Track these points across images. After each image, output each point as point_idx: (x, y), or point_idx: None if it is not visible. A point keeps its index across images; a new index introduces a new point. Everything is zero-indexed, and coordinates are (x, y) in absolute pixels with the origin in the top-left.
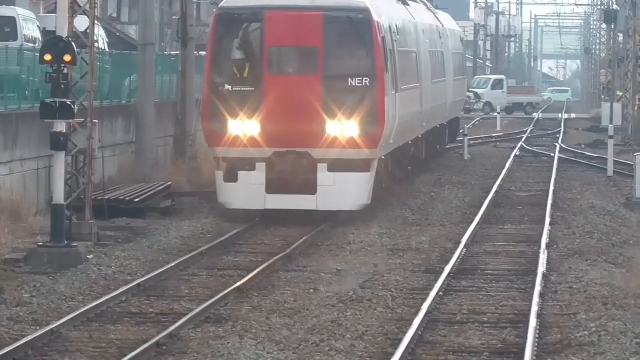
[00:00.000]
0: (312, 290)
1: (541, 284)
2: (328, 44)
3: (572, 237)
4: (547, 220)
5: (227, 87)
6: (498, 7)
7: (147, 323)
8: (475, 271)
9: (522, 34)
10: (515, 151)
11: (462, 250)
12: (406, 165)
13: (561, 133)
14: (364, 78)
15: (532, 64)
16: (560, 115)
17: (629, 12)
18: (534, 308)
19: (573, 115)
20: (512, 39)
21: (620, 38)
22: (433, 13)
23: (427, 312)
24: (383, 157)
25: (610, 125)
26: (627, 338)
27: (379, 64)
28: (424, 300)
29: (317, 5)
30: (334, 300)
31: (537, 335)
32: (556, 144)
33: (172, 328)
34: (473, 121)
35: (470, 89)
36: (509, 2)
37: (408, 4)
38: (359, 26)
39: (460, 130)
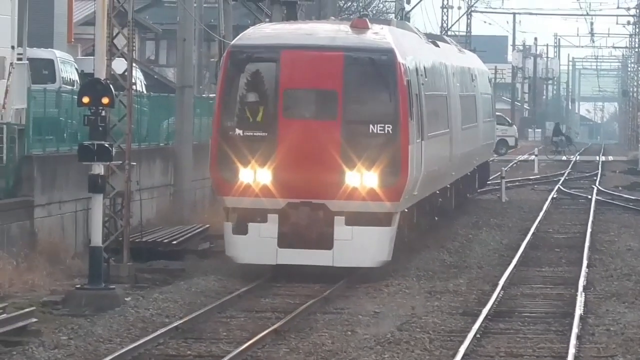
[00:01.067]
0: (349, 333)
1: (578, 327)
2: (348, 88)
3: (609, 280)
4: (585, 262)
5: (238, 131)
6: (536, 50)
7: None
8: (512, 314)
9: (560, 76)
10: (553, 194)
11: (499, 293)
12: (433, 216)
13: (599, 176)
14: (387, 125)
15: (569, 107)
16: (597, 158)
17: None
18: (572, 351)
19: (611, 158)
20: (550, 81)
21: None
22: (463, 54)
23: (465, 355)
24: (406, 210)
25: None
26: None
27: (403, 110)
28: (461, 342)
29: (338, 46)
30: (372, 343)
31: None
32: (594, 186)
33: None
34: (510, 164)
35: (560, 134)
36: (547, 45)
37: (438, 45)
38: (382, 69)
39: (498, 173)
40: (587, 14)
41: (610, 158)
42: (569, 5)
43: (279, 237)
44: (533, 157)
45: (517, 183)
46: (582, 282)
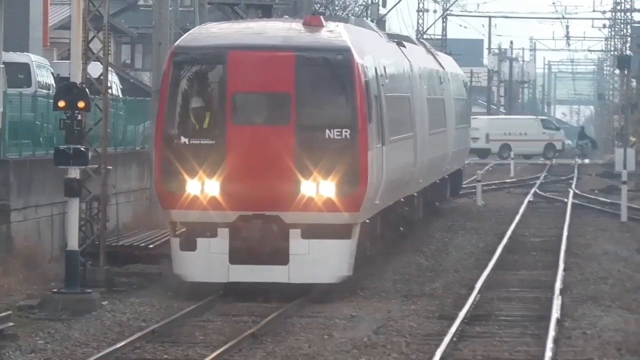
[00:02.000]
0: (326, 337)
1: (555, 330)
2: (302, 90)
3: (586, 283)
4: (561, 266)
5: (183, 140)
6: (512, 53)
7: None
8: (489, 317)
9: (536, 79)
10: (529, 197)
11: (476, 296)
12: (398, 226)
13: (575, 179)
14: (344, 129)
15: (545, 110)
16: (573, 161)
17: None
18: (548, 354)
19: (587, 161)
20: (526, 84)
21: (634, 84)
22: (434, 56)
23: (442, 358)
24: (368, 221)
25: (624, 170)
26: None
27: (362, 113)
28: (438, 346)
29: (289, 45)
30: (349, 347)
31: None
32: (570, 189)
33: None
34: (486, 167)
35: (585, 138)
36: (523, 49)
37: (404, 45)
38: (338, 69)
39: (474, 177)
40: (563, 17)
41: (587, 161)
42: (544, 9)
43: (230, 252)
44: (509, 160)
45: (493, 186)
46: (558, 285)
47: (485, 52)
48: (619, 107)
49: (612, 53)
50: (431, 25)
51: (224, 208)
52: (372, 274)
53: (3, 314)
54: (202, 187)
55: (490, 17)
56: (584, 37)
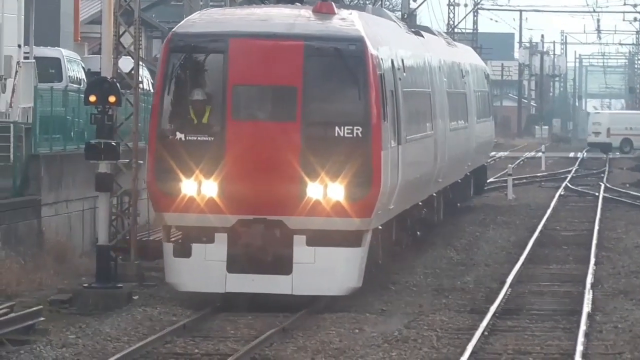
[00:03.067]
0: (357, 331)
1: (586, 324)
2: (310, 83)
3: (617, 277)
4: (592, 260)
5: (179, 135)
6: (543, 47)
7: None
8: (520, 311)
9: (567, 73)
10: (560, 191)
11: (507, 290)
12: (415, 231)
13: (606, 173)
14: (355, 127)
15: (576, 104)
16: (604, 155)
17: None
18: (579, 348)
19: (618, 154)
20: (557, 78)
21: None
22: (453, 47)
23: (473, 353)
24: (380, 227)
25: None
26: None
27: (375, 110)
28: (469, 340)
29: (297, 34)
30: (379, 341)
31: None
32: (601, 183)
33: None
34: (517, 161)
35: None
36: (554, 42)
37: (422, 36)
38: (350, 60)
39: (505, 170)
40: (594, 11)
41: (618, 155)
42: (575, 2)
43: (228, 260)
44: (540, 154)
45: (524, 180)
46: (589, 279)
47: (516, 45)
48: None
49: None
50: (462, 19)
51: (222, 211)
52: (403, 268)
53: (34, 308)
54: (199, 188)
55: (521, 10)
56: (615, 31)
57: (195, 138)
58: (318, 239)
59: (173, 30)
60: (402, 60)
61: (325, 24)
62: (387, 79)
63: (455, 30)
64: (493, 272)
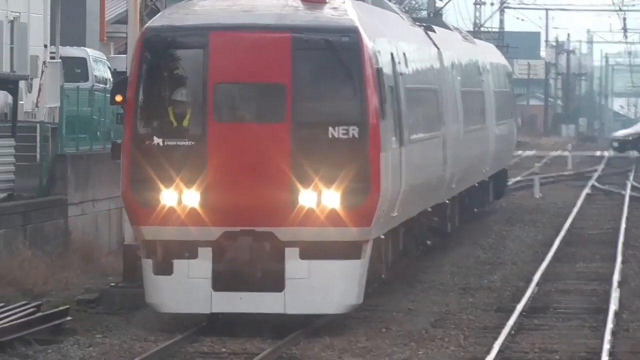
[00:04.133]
0: (384, 330)
1: (613, 322)
2: (300, 79)
3: None
4: (619, 258)
5: (156, 140)
6: (569, 46)
7: None
8: (547, 310)
9: (593, 72)
10: (587, 190)
11: (534, 289)
12: (424, 239)
13: (633, 172)
14: (351, 127)
15: (603, 103)
16: (631, 153)
17: None
18: (606, 346)
19: None
20: (583, 77)
21: None
22: (472, 43)
23: (499, 351)
24: (383, 237)
25: None
26: None
27: (372, 107)
28: (495, 339)
29: (284, 25)
30: (406, 339)
31: None
32: (627, 182)
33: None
34: (544, 160)
35: None
36: (580, 41)
37: (433, 30)
38: (343, 53)
39: (531, 169)
40: (620, 10)
41: None
42: (601, 1)
43: (214, 277)
44: (567, 153)
45: (550, 179)
46: (616, 278)
47: (543, 44)
48: None
49: None
50: (488, 18)
51: (205, 223)
52: (430, 267)
53: (61, 308)
54: (179, 198)
55: (547, 9)
56: None
57: (173, 143)
58: (312, 251)
59: (147, 24)
60: (404, 55)
61: (316, 14)
62: (386, 73)
63: (482, 29)
64: (520, 270)
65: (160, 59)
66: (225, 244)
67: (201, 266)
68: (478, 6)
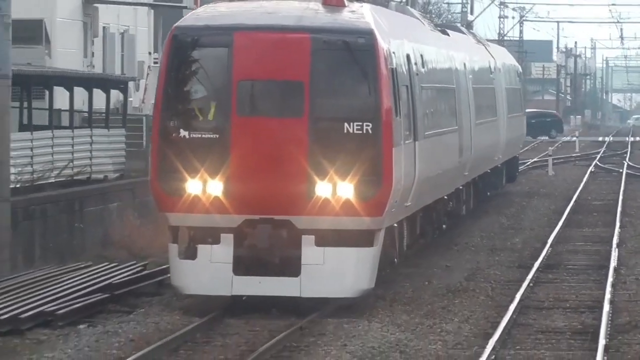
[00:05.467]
0: (426, 283)
1: (613, 277)
2: (317, 77)
3: (638, 238)
4: (617, 224)
5: (183, 133)
6: (576, 52)
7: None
8: (559, 266)
9: (596, 72)
10: (591, 168)
11: (548, 250)
12: (440, 223)
13: (628, 153)
14: (365, 123)
15: (604, 97)
16: (627, 138)
17: None
18: (607, 296)
19: (638, 138)
20: (588, 77)
21: None
22: (484, 46)
23: (520, 300)
24: (396, 225)
25: None
26: None
27: (385, 105)
28: (517, 290)
29: (304, 26)
30: (444, 291)
31: (609, 319)
32: (624, 162)
33: (312, 316)
34: (556, 144)
35: None
36: (585, 48)
37: (447, 34)
38: (359, 54)
39: (546, 152)
40: (618, 22)
41: (638, 139)
42: (603, 15)
43: (235, 261)
44: (574, 138)
45: (561, 160)
46: (615, 240)
47: (555, 50)
48: None
49: None
50: (510, 29)
51: (228, 211)
52: (462, 232)
53: (163, 267)
54: (204, 187)
55: (558, 22)
56: (635, 37)
57: (199, 135)
58: (327, 239)
59: (176, 24)
60: (421, 56)
61: (334, 17)
62: (401, 73)
63: (505, 38)
64: (537, 234)
65: (187, 56)
66: (245, 231)
67: (223, 251)
68: (502, 19)
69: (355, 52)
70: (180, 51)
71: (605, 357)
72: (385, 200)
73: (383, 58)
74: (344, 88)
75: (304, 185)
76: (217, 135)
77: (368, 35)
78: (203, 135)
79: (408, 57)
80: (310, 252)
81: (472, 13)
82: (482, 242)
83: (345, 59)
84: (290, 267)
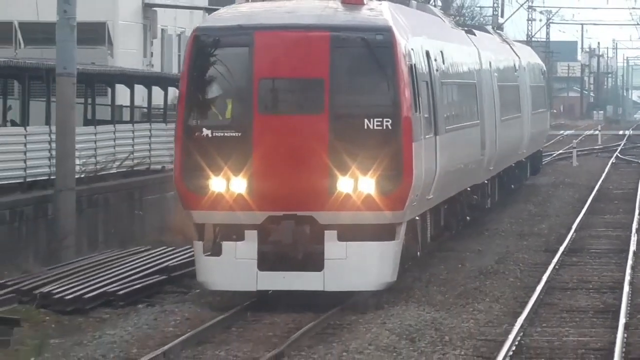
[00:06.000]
0: (459, 265)
1: (632, 259)
2: (337, 75)
3: None
4: (637, 211)
5: (206, 132)
6: (599, 51)
7: None
8: (582, 250)
9: (617, 71)
10: (612, 160)
11: (572, 235)
12: (464, 215)
13: None
14: (385, 119)
15: (624, 94)
16: None
17: None
18: (627, 278)
19: None
20: (609, 75)
21: None
22: (509, 45)
23: (547, 282)
24: (418, 218)
25: None
26: None
27: (405, 101)
28: (544, 272)
29: (323, 24)
30: (476, 273)
31: (629, 299)
32: None
33: (354, 298)
34: (579, 137)
35: None
36: (607, 48)
37: (473, 34)
38: (378, 50)
39: (570, 145)
40: (638, 24)
41: None
42: (624, 17)
43: (259, 257)
44: (597, 132)
45: (585, 152)
46: (634, 226)
47: (579, 50)
48: None
49: None
50: (537, 31)
51: (251, 208)
52: (493, 219)
53: None
54: (227, 184)
55: (582, 24)
56: None
57: (222, 134)
58: (349, 233)
59: (198, 25)
60: (442, 53)
61: (353, 15)
62: (420, 69)
63: (533, 39)
64: (562, 221)
65: (209, 56)
66: (269, 228)
67: (248, 248)
68: (530, 22)
69: (374, 48)
70: (202, 51)
71: (625, 334)
72: (405, 195)
73: (401, 54)
74: (364, 84)
75: (326, 181)
76: (240, 133)
77: (386, 32)
78: (226, 134)
79: (428, 53)
80: (332, 247)
81: (502, 16)
82: (511, 228)
83: (364, 56)
84: (314, 262)
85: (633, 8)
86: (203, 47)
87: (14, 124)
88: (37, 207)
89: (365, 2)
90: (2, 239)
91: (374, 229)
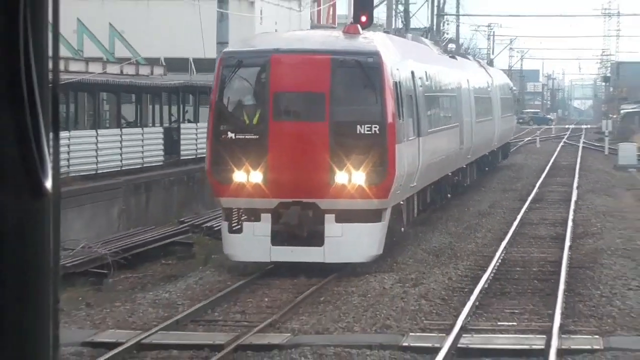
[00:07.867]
0: (465, 209)
1: (574, 206)
2: (336, 90)
3: (588, 183)
4: (577, 175)
5: (230, 135)
6: (553, 75)
7: None
8: (542, 200)
9: (565, 88)
10: (561, 143)
11: (536, 190)
12: (447, 193)
13: (583, 135)
14: (373, 125)
15: (569, 102)
16: (582, 126)
17: None
18: (570, 216)
19: (588, 126)
20: (560, 90)
21: None
22: (485, 69)
23: (520, 219)
24: (402, 202)
25: (607, 130)
26: (615, 231)
27: (390, 111)
28: (518, 213)
29: (326, 49)
30: (476, 214)
31: (572, 230)
32: (580, 139)
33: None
34: (540, 129)
35: None
36: (559, 74)
37: (455, 58)
38: (368, 70)
39: (536, 134)
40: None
41: (588, 126)
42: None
43: (272, 235)
44: (552, 126)
45: (544, 138)
46: (575, 184)
47: (541, 75)
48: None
49: None
50: (515, 63)
51: (267, 195)
52: (487, 181)
53: None
54: (248, 177)
55: (543, 59)
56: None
57: (243, 136)
58: (345, 216)
59: (225, 49)
60: (426, 72)
61: (350, 42)
62: (405, 85)
63: (512, 68)
64: (530, 181)
65: (233, 74)
66: (280, 211)
67: (263, 227)
68: (510, 57)
69: (366, 69)
70: (228, 70)
71: (569, 252)
72: (389, 186)
73: (388, 73)
74: (357, 98)
75: (326, 175)
76: (258, 136)
77: (376, 55)
78: (246, 136)
79: (413, 73)
80: (331, 227)
81: (492, 53)
82: (498, 186)
83: (358, 75)
84: (316, 239)
85: (574, 49)
86: (229, 66)
87: (189, 121)
88: (204, 173)
89: (361, 32)
90: (183, 194)
91: (364, 213)
